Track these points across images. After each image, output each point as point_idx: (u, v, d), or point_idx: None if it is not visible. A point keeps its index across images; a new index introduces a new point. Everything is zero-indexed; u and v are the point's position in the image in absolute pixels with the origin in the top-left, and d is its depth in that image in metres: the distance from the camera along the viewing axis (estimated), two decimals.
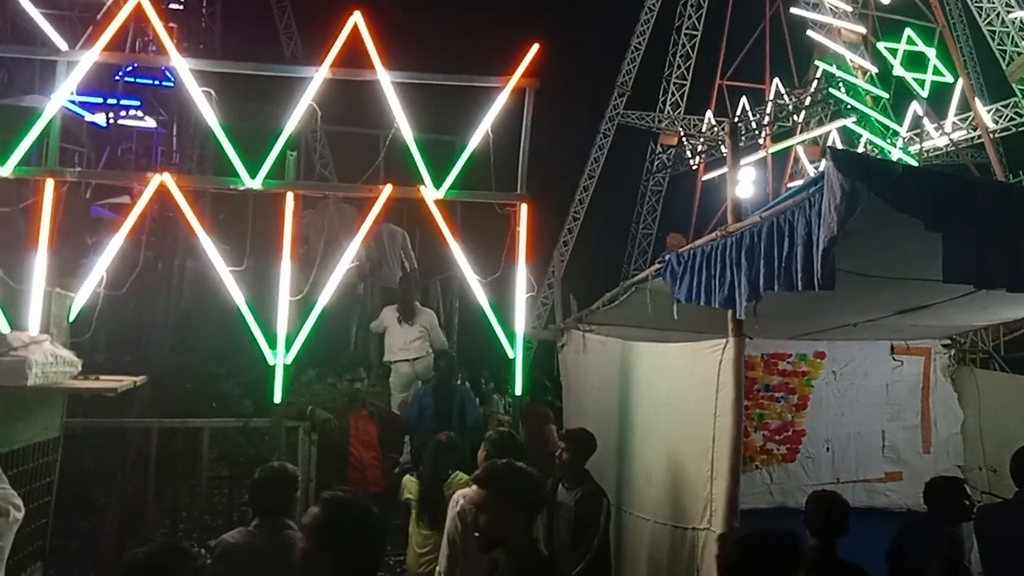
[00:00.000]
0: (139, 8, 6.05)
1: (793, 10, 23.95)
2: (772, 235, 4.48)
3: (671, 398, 6.02)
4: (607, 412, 6.97)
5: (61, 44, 15.23)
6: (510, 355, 6.34)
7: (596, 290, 9.31)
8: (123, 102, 16.65)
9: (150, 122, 18.29)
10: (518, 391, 6.34)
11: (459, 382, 8.31)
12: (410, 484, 5.80)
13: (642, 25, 27.24)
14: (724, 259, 5.01)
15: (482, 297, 6.40)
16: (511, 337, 6.35)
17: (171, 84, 17.80)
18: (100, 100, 15.12)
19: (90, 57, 5.80)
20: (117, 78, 16.04)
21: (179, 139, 17.68)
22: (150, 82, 18.15)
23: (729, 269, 4.95)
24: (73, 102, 13.95)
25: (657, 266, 6.02)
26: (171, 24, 15.91)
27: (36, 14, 14.66)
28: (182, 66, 5.85)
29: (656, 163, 28.56)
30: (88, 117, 14.59)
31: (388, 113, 6.93)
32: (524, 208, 6.47)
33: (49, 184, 5.55)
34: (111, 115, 15.94)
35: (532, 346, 10.14)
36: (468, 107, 8.16)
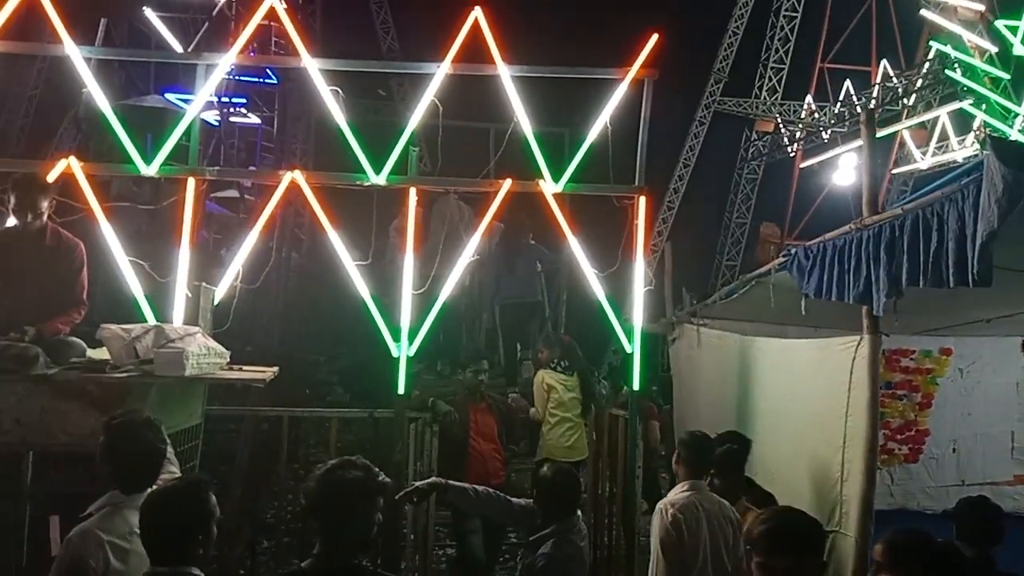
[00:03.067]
0: (252, 10, 6.24)
1: None
2: (917, 228, 4.29)
3: (796, 396, 5.88)
4: (724, 410, 6.85)
5: (177, 47, 15.97)
6: (627, 350, 6.29)
7: (690, 281, 9.17)
8: (232, 100, 17.32)
9: (254, 119, 18.98)
10: (635, 386, 6.28)
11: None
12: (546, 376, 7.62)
13: (740, 8, 26.51)
14: (860, 253, 4.83)
15: (599, 290, 6.36)
16: (628, 331, 6.29)
17: (274, 82, 18.39)
18: (213, 99, 15.78)
19: (228, 60, 6.03)
20: (226, 77, 16.69)
21: (281, 135, 18.26)
22: (255, 80, 18.78)
23: (865, 263, 4.78)
24: (186, 101, 14.59)
25: (782, 259, 5.86)
26: (271, 23, 16.34)
27: (156, 20, 15.44)
28: (312, 67, 6.02)
29: (751, 151, 27.80)
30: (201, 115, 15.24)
31: (497, 107, 6.97)
32: (643, 201, 6.39)
33: (191, 183, 5.81)
34: (222, 113, 16.61)
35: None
36: (576, 99, 8.14)
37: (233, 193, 15.51)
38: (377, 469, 3.02)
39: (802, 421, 5.65)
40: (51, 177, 5.44)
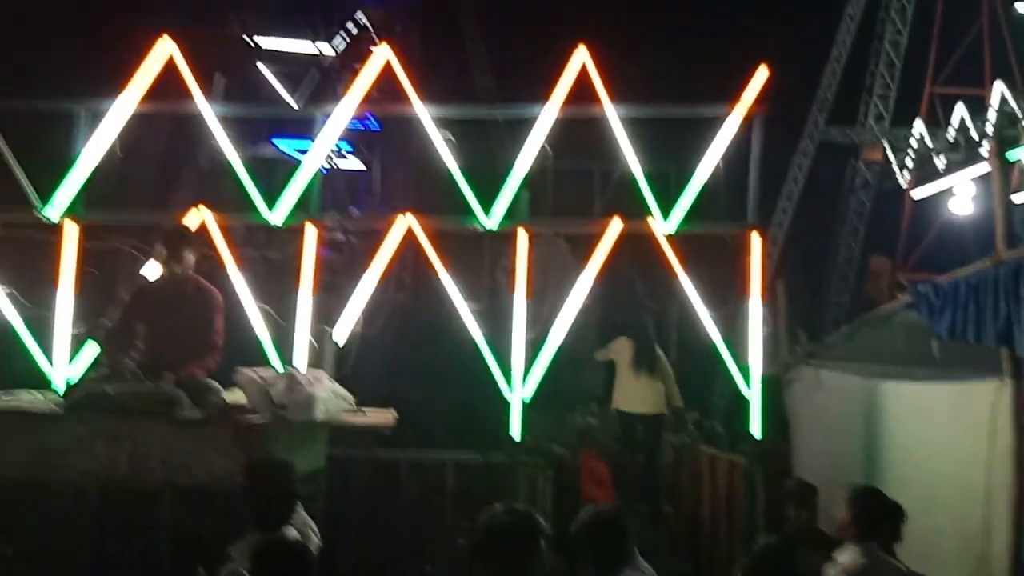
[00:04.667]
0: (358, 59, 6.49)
1: (1019, 5, 21.75)
2: None
3: (930, 444, 5.54)
4: (847, 457, 6.53)
5: (291, 102, 16.77)
6: (745, 394, 6.10)
7: (801, 319, 8.82)
8: (338, 146, 17.99)
9: (357, 164, 19.64)
10: (756, 432, 6.06)
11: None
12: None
13: (842, 35, 25.80)
14: (998, 291, 4.57)
15: (714, 332, 6.22)
16: (746, 374, 6.11)
17: (378, 127, 19.03)
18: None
19: (347, 112, 6.29)
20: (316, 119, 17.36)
21: (384, 180, 18.79)
22: (359, 126, 19.47)
23: (1004, 302, 4.51)
24: (300, 150, 15.28)
25: (908, 298, 5.59)
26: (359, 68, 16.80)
27: (268, 74, 16.27)
28: (425, 116, 6.20)
29: (858, 181, 26.79)
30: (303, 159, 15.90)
31: (600, 144, 6.99)
32: (756, 238, 6.24)
33: (311, 230, 6.05)
34: (330, 160, 17.27)
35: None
36: (682, 134, 8.06)
37: (338, 236, 16.05)
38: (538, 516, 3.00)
39: (937, 471, 5.31)
40: (192, 227, 5.76)
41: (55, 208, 6.24)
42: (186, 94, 6.60)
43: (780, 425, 8.39)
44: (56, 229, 6.27)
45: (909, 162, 24.91)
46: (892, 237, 26.55)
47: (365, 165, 19.60)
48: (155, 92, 6.68)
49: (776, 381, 8.35)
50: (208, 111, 6.29)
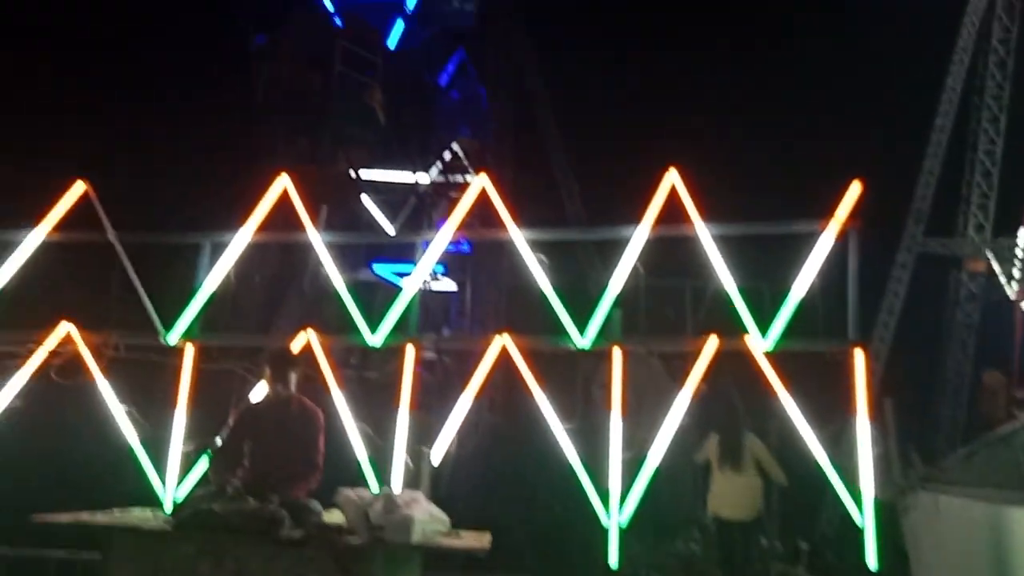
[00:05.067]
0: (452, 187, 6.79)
1: None
2: None
3: None
4: None
5: (389, 229, 17.59)
6: (857, 521, 5.75)
7: (912, 440, 8.31)
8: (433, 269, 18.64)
9: (450, 285, 20.24)
10: (872, 564, 5.67)
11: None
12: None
13: (933, 147, 25.49)
14: None
15: (820, 453, 5.96)
16: (858, 500, 5.78)
17: (469, 250, 19.67)
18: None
19: (444, 237, 6.58)
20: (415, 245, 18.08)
21: (475, 301, 19.24)
22: (452, 249, 20.19)
23: None
24: (399, 273, 15.92)
25: None
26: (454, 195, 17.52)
27: (371, 204, 17.23)
28: (520, 239, 6.42)
29: (963, 292, 25.70)
30: (400, 283, 16.52)
31: (691, 262, 7.01)
32: (860, 355, 6.04)
33: (411, 351, 6.23)
34: (424, 282, 17.89)
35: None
36: (774, 250, 8.02)
37: (431, 355, 16.38)
38: None
39: None
40: (297, 350, 6.05)
41: (175, 332, 6.66)
42: (296, 225, 7.05)
43: (898, 556, 7.81)
44: (174, 352, 6.67)
45: (1016, 272, 23.83)
46: (1005, 350, 25.03)
47: (457, 286, 20.14)
48: (267, 223, 7.17)
49: (890, 507, 7.84)
50: (317, 240, 6.69)
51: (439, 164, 17.42)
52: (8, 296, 6.96)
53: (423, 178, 17.02)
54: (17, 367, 6.63)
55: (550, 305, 6.47)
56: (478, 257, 19.14)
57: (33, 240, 6.88)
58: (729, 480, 7.79)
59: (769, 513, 8.62)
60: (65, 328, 6.72)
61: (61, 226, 7.06)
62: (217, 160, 13.30)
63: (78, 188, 6.91)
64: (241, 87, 13.13)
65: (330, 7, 14.33)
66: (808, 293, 6.37)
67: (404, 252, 14.30)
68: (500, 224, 6.69)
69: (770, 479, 8.00)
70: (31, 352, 6.68)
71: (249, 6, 13.16)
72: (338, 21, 13.74)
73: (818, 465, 6.03)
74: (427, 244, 6.70)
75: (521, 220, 6.97)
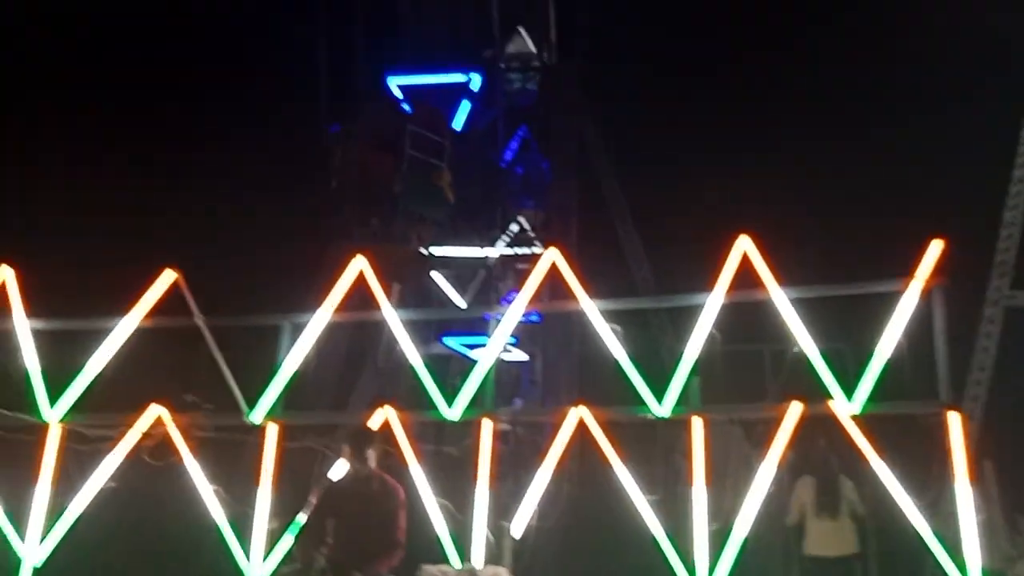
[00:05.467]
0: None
1: None
2: None
3: None
4: None
5: (460, 301, 17.87)
6: None
7: (1019, 506, 7.80)
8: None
9: (521, 355, 20.21)
10: None
11: None
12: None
13: (1013, 198, 24.67)
14: None
15: (919, 521, 5.66)
16: (963, 569, 5.45)
17: (539, 319, 19.69)
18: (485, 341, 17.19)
19: (516, 310, 6.66)
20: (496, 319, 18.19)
21: (547, 371, 19.15)
22: (522, 319, 20.22)
23: None
24: (469, 346, 16.05)
25: None
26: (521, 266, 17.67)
27: (441, 280, 17.56)
28: (592, 309, 6.45)
29: None
30: (471, 355, 16.61)
31: (768, 325, 6.89)
32: (956, 418, 5.78)
33: (487, 424, 6.25)
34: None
35: None
36: (853, 310, 7.82)
37: (504, 426, 16.30)
38: None
39: None
40: (375, 426, 6.14)
41: (258, 412, 6.85)
42: (371, 303, 7.25)
43: None
44: (258, 431, 6.84)
45: None
46: None
47: (528, 356, 20.14)
48: (344, 302, 7.39)
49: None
50: (392, 317, 6.85)
51: (506, 237, 17.70)
52: (102, 380, 7.29)
53: (491, 252, 17.29)
54: (111, 449, 6.90)
55: (625, 374, 6.42)
56: (549, 327, 19.14)
57: (126, 327, 7.23)
58: (826, 526, 7.38)
59: None
60: (155, 411, 6.99)
61: (151, 312, 7.41)
62: (295, 243, 13.85)
63: (168, 276, 7.27)
64: (317, 173, 13.73)
65: (399, 94, 14.99)
66: (894, 353, 6.17)
67: (474, 325, 14.46)
68: (570, 295, 6.74)
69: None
70: (123, 434, 6.96)
71: (325, 98, 13.87)
72: (407, 107, 14.33)
73: (918, 534, 5.72)
74: (491, 316, 6.78)
75: (590, 288, 7.00)
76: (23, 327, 7.11)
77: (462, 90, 15.28)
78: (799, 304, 6.44)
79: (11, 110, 16.97)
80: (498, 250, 17.62)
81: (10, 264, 7.36)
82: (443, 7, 15.74)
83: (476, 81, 15.20)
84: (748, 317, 7.60)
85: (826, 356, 6.40)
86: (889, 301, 6.35)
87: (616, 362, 6.46)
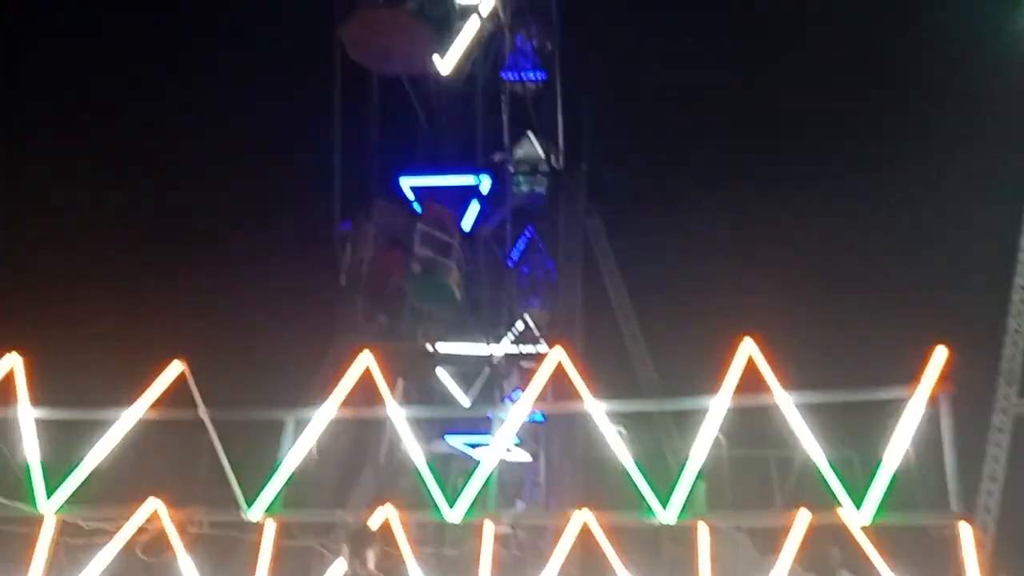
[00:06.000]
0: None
1: None
2: None
3: None
4: None
5: (464, 401, 17.76)
6: None
7: None
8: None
9: (524, 455, 19.92)
10: None
11: None
12: None
13: (1016, 305, 24.74)
14: None
15: None
16: None
17: (542, 419, 19.51)
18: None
19: (521, 410, 6.65)
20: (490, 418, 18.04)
21: (550, 471, 18.83)
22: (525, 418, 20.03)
23: None
24: (470, 444, 15.86)
25: None
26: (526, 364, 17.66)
27: (447, 377, 17.52)
28: (597, 410, 6.43)
29: None
30: (474, 455, 16.38)
31: (772, 430, 6.84)
32: (967, 529, 5.67)
33: (489, 527, 6.14)
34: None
35: None
36: (860, 417, 7.77)
37: (505, 529, 15.90)
38: None
39: None
40: (375, 526, 6.03)
41: (257, 508, 6.74)
42: (374, 399, 7.25)
43: None
44: (256, 528, 6.72)
45: None
46: None
47: (532, 456, 19.82)
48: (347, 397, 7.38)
49: None
50: (396, 414, 6.84)
51: (511, 336, 17.75)
52: (101, 472, 7.22)
53: (496, 349, 17.31)
54: (105, 543, 6.77)
55: (630, 478, 6.35)
56: (552, 427, 18.95)
57: (129, 418, 7.21)
58: None
59: None
60: (152, 505, 6.89)
61: (155, 403, 7.40)
62: (301, 338, 13.93)
63: (175, 367, 7.30)
64: (326, 269, 13.94)
65: (410, 194, 15.38)
66: (903, 462, 6.11)
67: (478, 424, 14.33)
68: (575, 394, 6.74)
69: None
70: (119, 528, 6.83)
71: (337, 195, 14.25)
72: (417, 206, 14.68)
73: None
74: (495, 415, 6.76)
75: (595, 389, 7.00)
76: (27, 416, 7.10)
77: (471, 191, 15.68)
78: (805, 409, 6.42)
79: (26, 201, 17.41)
80: (503, 348, 17.65)
81: (18, 352, 7.42)
82: (455, 113, 16.33)
83: (485, 183, 15.63)
84: (754, 421, 7.55)
85: (834, 463, 6.33)
86: (896, 408, 6.33)
87: (621, 465, 6.40)
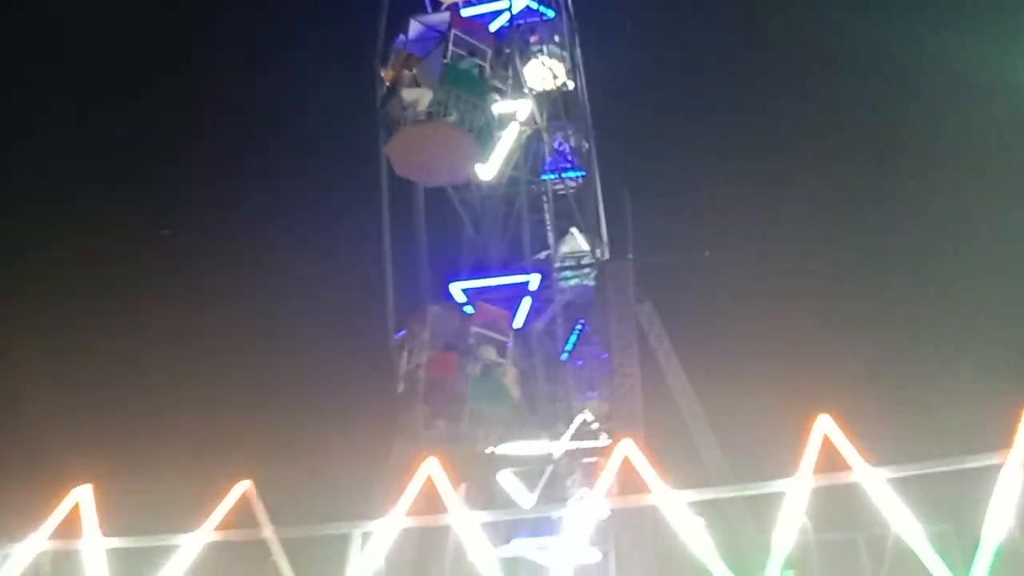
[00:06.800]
0: None
1: None
2: None
3: None
4: None
5: (528, 502, 17.26)
6: None
7: None
8: None
9: (594, 554, 19.13)
10: None
11: None
12: None
13: None
14: None
15: None
16: None
17: (608, 515, 18.82)
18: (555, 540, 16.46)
19: (589, 508, 6.40)
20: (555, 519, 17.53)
21: (619, 569, 18.08)
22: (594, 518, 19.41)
23: None
24: (539, 548, 15.34)
25: None
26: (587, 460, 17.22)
27: (509, 479, 17.20)
28: (670, 501, 6.19)
29: None
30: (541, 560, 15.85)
31: (859, 509, 6.47)
32: None
33: None
34: None
35: None
36: (953, 489, 7.30)
37: None
38: None
39: None
40: None
41: None
42: (438, 506, 7.11)
43: None
44: None
45: None
46: None
47: (602, 554, 19.04)
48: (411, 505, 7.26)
49: None
50: (462, 520, 6.67)
51: (570, 431, 17.43)
52: None
53: (557, 446, 16.99)
54: None
55: (709, 571, 6.03)
56: (619, 522, 18.27)
57: (195, 542, 7.18)
58: None
59: None
60: None
61: (221, 525, 7.37)
62: (362, 449, 13.86)
63: (241, 487, 7.30)
64: (383, 378, 14.01)
65: (461, 297, 15.56)
66: (1005, 532, 5.69)
67: (543, 524, 13.90)
68: (641, 486, 6.50)
69: None
70: None
71: (391, 304, 14.48)
72: (470, 308, 14.80)
73: None
74: (560, 515, 6.54)
75: (662, 478, 6.75)
76: (96, 546, 7.12)
77: (522, 289, 15.81)
78: (893, 484, 6.09)
79: (95, 352, 18.01)
80: (564, 444, 17.32)
81: (87, 481, 7.53)
82: (499, 215, 16.69)
83: (535, 280, 15.75)
84: (839, 502, 7.16)
85: (930, 539, 5.94)
86: (989, 476, 5.96)
87: (696, 558, 6.09)
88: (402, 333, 14.18)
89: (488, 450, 14.04)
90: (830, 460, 6.29)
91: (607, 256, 18.21)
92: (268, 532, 7.09)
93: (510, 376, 13.72)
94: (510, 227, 16.62)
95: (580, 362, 19.51)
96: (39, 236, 19.63)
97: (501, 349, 13.83)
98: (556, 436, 17.15)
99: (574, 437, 17.59)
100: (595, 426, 17.78)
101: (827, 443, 6.19)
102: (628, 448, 6.42)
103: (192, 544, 7.07)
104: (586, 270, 18.18)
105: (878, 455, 6.15)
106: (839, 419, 6.20)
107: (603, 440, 18.35)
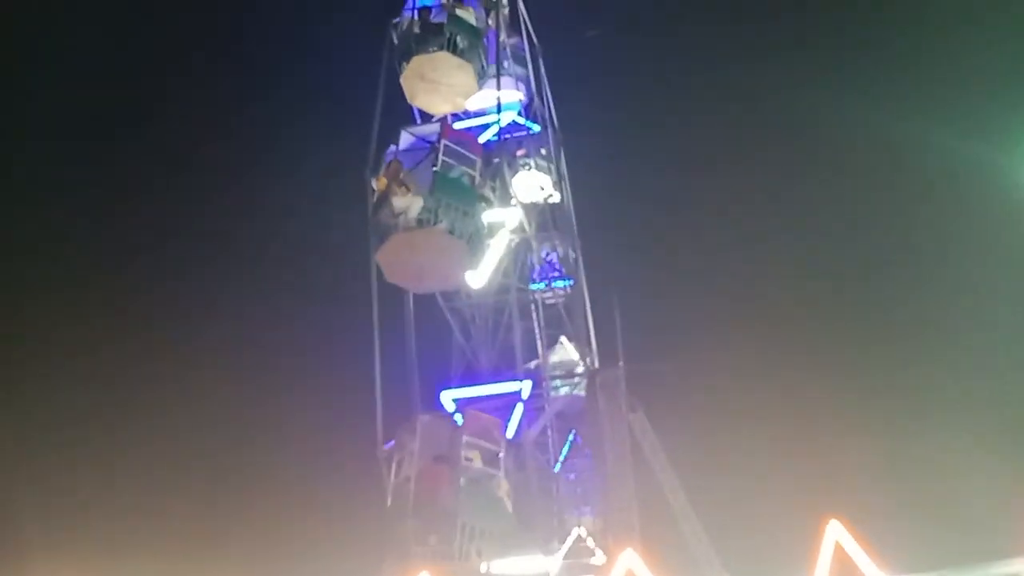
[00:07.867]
0: None
1: None
2: None
3: None
4: None
5: None
6: None
7: None
8: None
9: None
10: None
11: None
12: None
13: None
14: None
15: None
16: None
17: None
18: None
19: None
20: None
21: None
22: None
23: None
24: None
25: None
26: None
27: None
28: None
29: None
30: None
31: None
32: None
33: None
34: None
35: None
36: None
37: None
38: None
39: None
40: None
41: None
42: None
43: None
44: None
45: None
46: None
47: None
48: None
49: None
50: None
51: (564, 548, 16.80)
52: None
53: (551, 564, 16.29)
54: None
55: None
56: None
57: None
58: None
59: None
60: None
61: None
62: (350, 562, 13.24)
63: None
64: (371, 489, 13.54)
65: (451, 407, 15.26)
66: None
67: None
68: None
69: None
70: None
71: (379, 415, 14.16)
72: (460, 418, 14.48)
73: None
74: None
75: None
76: None
77: (513, 398, 15.55)
78: None
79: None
80: (558, 561, 16.63)
81: None
82: (489, 322, 16.65)
83: (526, 388, 15.53)
84: None
85: None
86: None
87: None
88: (391, 443, 13.80)
89: (483, 568, 13.40)
90: (844, 570, 5.99)
91: (597, 364, 18.05)
92: None
93: (503, 488, 13.27)
94: (500, 335, 16.52)
95: (572, 475, 19.00)
96: None
97: (493, 459, 13.44)
98: (550, 552, 16.50)
99: (568, 554, 16.92)
100: (590, 542, 17.14)
101: (839, 551, 5.90)
102: (631, 560, 6.11)
103: None
104: (576, 379, 17.97)
105: (894, 561, 5.87)
106: (849, 523, 5.94)
107: (599, 558, 17.65)
